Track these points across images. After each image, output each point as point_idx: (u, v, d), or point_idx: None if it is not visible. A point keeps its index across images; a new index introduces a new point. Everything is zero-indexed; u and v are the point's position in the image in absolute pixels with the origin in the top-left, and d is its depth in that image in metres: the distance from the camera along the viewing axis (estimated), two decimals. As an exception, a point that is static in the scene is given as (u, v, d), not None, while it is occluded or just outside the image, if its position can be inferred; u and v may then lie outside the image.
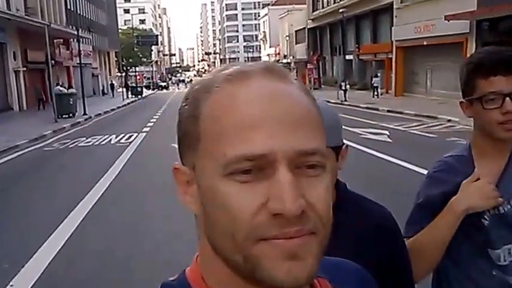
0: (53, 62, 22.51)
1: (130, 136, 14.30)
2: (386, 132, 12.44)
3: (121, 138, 13.89)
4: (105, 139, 13.86)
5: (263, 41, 73.40)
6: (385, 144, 10.65)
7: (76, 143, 13.29)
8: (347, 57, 33.43)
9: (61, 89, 21.35)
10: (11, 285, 4.06)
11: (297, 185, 0.44)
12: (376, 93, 24.90)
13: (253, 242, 0.44)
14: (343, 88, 24.57)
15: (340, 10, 27.10)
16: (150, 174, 8.50)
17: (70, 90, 22.44)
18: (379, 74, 26.27)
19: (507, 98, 1.19)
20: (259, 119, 0.45)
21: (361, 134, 12.08)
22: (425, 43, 21.61)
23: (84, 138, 14.15)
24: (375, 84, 24.90)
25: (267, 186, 0.44)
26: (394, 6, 24.58)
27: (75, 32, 25.76)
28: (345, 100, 23.69)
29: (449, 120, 14.62)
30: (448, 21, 18.09)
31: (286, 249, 0.44)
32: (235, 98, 0.46)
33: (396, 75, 25.53)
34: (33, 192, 7.61)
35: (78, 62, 33.15)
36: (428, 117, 15.77)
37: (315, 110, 0.49)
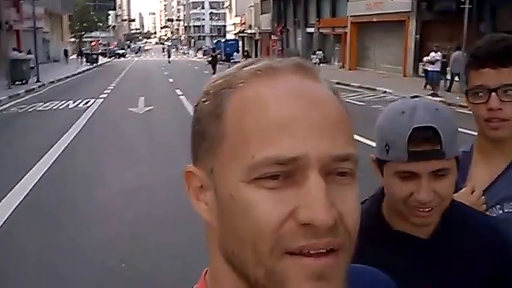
0: (7, 26, 23.84)
1: (88, 102, 16.53)
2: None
3: (78, 103, 16.12)
4: (62, 104, 16.03)
5: (228, 9, 74.93)
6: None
7: (34, 108, 15.39)
8: (308, 30, 36.07)
9: (18, 54, 22.78)
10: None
11: (329, 193, 0.44)
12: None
13: (278, 255, 0.43)
14: (313, 62, 26.66)
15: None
16: (107, 135, 10.80)
17: (28, 56, 23.70)
18: (336, 48, 28.66)
19: (493, 94, 1.15)
20: (292, 120, 0.44)
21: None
22: (375, 19, 24.38)
23: (42, 103, 16.24)
24: (313, 61, 26.34)
25: (296, 193, 0.43)
26: (350, -18, 27.20)
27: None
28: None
29: (384, 92, 17.56)
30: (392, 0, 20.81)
31: (315, 270, 0.43)
32: (265, 96, 0.46)
33: (350, 50, 28.28)
34: None
35: (30, 25, 34.57)
36: (368, 89, 18.82)
37: (345, 111, 0.49)
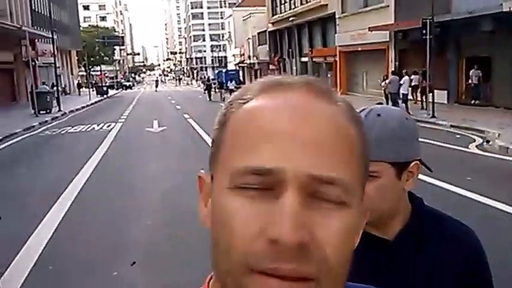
0: (33, 62, 27.12)
1: (110, 125, 19.56)
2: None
3: (102, 126, 19.14)
4: (88, 127, 19.04)
5: (228, 41, 78.89)
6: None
7: (65, 130, 18.38)
8: (303, 59, 39.33)
9: (46, 87, 27.00)
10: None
11: (304, 214, 0.42)
12: None
13: (244, 270, 0.43)
14: None
15: (290, 18, 32.98)
16: (132, 148, 13.53)
17: (53, 89, 27.97)
18: (329, 76, 31.98)
19: None
20: (275, 132, 0.44)
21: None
22: (359, 49, 27.53)
23: (70, 127, 19.22)
24: None
25: (271, 208, 0.42)
26: (336, 16, 30.51)
27: (41, 33, 30.45)
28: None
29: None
30: (371, 31, 23.95)
31: None
32: (261, 107, 0.46)
33: (340, 77, 31.40)
34: (36, 168, 11.19)
35: (44, 61, 37.89)
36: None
37: (354, 137, 0.47)
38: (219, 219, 0.45)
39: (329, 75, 33.24)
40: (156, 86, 70.37)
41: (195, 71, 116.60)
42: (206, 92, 37.12)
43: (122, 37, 72.79)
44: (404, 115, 1.11)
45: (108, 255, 5.24)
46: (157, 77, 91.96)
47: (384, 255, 1.08)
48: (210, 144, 0.52)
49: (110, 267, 4.89)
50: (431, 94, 17.35)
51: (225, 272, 0.45)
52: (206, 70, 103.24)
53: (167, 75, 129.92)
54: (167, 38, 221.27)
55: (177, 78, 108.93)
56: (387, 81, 20.46)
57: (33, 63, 33.52)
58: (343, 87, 31.42)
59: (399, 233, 1.09)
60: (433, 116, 16.43)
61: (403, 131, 1.04)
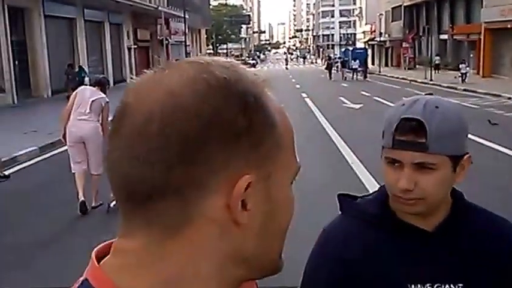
0: (166, 41, 28.02)
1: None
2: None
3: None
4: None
5: (359, 17, 75.74)
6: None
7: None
8: (441, 36, 35.88)
9: None
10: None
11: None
12: (464, 78, 25.64)
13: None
14: (462, 71, 25.26)
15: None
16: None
17: None
18: (466, 59, 28.17)
19: None
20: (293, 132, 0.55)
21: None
22: (509, 26, 23.97)
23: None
24: (462, 71, 25.69)
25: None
26: (484, -12, 26.95)
27: (175, 13, 31.34)
28: (431, 79, 26.83)
29: (509, 98, 17.66)
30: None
31: None
32: (284, 114, 0.54)
33: (484, 57, 27.87)
34: None
35: (176, 40, 39.25)
36: (493, 95, 19.12)
37: None
38: (287, 208, 0.54)
39: (471, 55, 29.78)
40: (287, 64, 70.32)
41: (321, 49, 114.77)
42: (327, 71, 36.71)
43: (249, 15, 73.69)
44: (460, 108, 1.12)
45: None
46: (287, 55, 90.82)
47: (423, 246, 1.08)
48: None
49: None
50: None
51: (279, 248, 0.55)
52: (333, 48, 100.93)
53: (292, 54, 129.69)
54: (294, 15, 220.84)
55: (302, 56, 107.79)
56: None
57: (167, 41, 34.94)
58: (486, 69, 27.94)
59: (439, 225, 1.09)
60: None
61: (461, 124, 1.05)
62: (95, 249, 0.53)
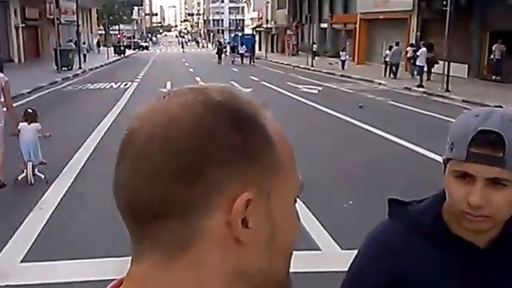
0: (58, 21, 27.34)
1: (126, 84, 20.05)
2: (319, 88, 18.74)
3: (119, 85, 19.64)
4: (107, 85, 19.56)
5: (247, 3, 77.89)
6: (312, 95, 16.76)
7: (86, 87, 18.93)
8: (322, 25, 39.03)
9: (72, 44, 28.53)
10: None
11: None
12: (343, 64, 27.74)
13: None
14: (342, 59, 26.99)
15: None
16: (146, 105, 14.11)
17: (71, 46, 28.64)
18: (346, 47, 31.26)
19: None
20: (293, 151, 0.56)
21: (299, 88, 18.39)
22: (381, 17, 27.28)
23: (90, 84, 19.74)
24: (342, 58, 27.42)
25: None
26: (359, -19, 30.16)
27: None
28: (312, 66, 29.47)
29: (379, 84, 20.45)
30: (394, -1, 23.77)
31: None
32: (282, 133, 0.54)
33: (359, 45, 31.21)
34: (62, 117, 12.03)
35: (66, 19, 38.12)
36: (366, 81, 21.77)
37: None
38: (291, 226, 0.54)
39: (347, 43, 33.06)
40: (183, 47, 73.88)
41: (211, 34, 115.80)
42: (217, 54, 38.55)
43: (141, -4, 72.31)
44: None
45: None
46: (182, 39, 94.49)
47: (473, 261, 1.08)
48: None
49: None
50: (447, 68, 17.03)
51: (284, 269, 0.56)
52: (223, 33, 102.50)
53: (183, 37, 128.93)
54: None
55: (196, 40, 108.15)
56: (390, 51, 21.20)
57: (58, 21, 33.87)
58: (361, 57, 31.26)
59: (492, 241, 1.09)
60: (447, 90, 16.36)
61: None
62: (115, 281, 0.55)
